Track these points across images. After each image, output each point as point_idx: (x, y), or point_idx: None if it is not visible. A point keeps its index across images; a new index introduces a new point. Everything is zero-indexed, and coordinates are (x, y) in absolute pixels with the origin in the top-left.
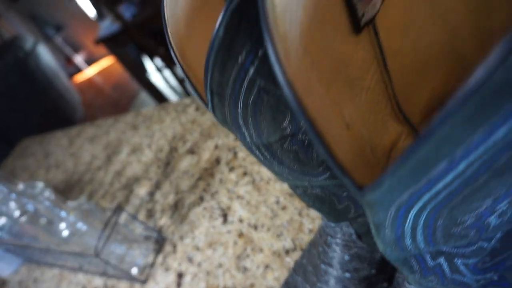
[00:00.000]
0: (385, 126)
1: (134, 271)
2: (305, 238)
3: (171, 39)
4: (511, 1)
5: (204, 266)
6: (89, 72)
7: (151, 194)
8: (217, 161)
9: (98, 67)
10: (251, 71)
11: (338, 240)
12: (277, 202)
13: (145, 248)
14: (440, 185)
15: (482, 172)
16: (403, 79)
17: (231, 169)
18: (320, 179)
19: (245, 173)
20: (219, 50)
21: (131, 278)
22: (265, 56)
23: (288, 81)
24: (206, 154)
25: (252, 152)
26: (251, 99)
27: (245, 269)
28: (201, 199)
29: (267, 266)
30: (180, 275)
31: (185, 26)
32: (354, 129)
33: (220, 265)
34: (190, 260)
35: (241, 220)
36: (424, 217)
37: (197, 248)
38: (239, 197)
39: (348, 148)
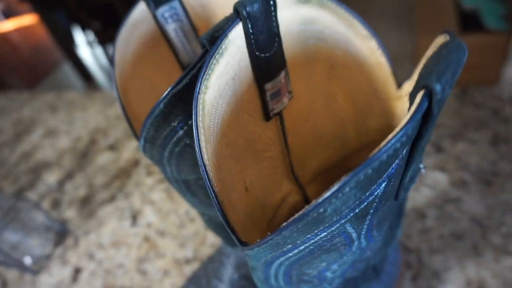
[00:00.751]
0: (280, 185)
1: (27, 260)
2: (206, 251)
3: (116, 78)
4: (386, 107)
5: (104, 264)
6: (5, 26)
7: (61, 183)
8: (136, 163)
9: (17, 23)
10: (180, 132)
11: (232, 261)
12: (187, 214)
13: (45, 239)
14: (290, 254)
15: (315, 250)
16: (299, 152)
17: (149, 174)
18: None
19: (161, 181)
20: (157, 116)
21: (22, 268)
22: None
23: (204, 163)
24: (126, 154)
25: (171, 183)
26: (177, 149)
27: (144, 272)
28: (113, 197)
29: (166, 272)
30: (77, 270)
31: (131, 69)
32: (252, 192)
33: (120, 265)
34: (91, 256)
35: (149, 225)
36: (283, 268)
37: (100, 246)
38: (152, 202)
39: (242, 208)
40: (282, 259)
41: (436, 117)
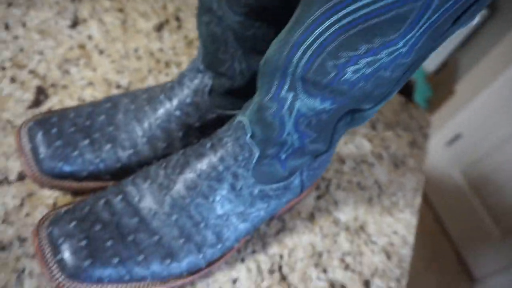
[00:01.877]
0: None
1: None
2: (141, 86)
3: None
4: None
5: (21, 42)
6: None
7: None
8: None
9: None
10: None
11: (190, 84)
12: (136, 50)
13: None
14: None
15: (350, 28)
16: None
17: None
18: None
19: (120, 10)
20: None
21: None
22: None
23: None
24: None
25: None
26: None
27: (66, 71)
28: None
29: (91, 83)
30: None
31: None
32: None
33: (40, 53)
34: (7, 27)
35: (90, 37)
36: (309, 53)
37: (23, 25)
38: (101, 21)
39: None
40: (310, 39)
41: None
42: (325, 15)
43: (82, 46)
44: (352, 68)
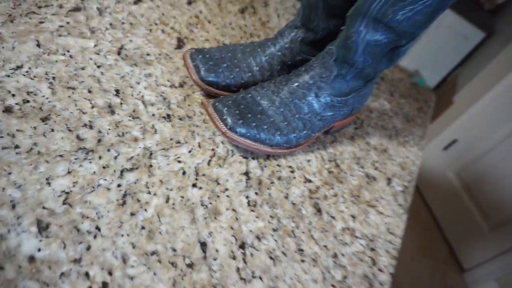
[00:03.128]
0: None
1: None
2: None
3: None
4: None
5: (162, 10)
6: None
7: None
8: None
9: None
10: None
11: (288, 35)
12: (230, 23)
13: None
14: None
15: None
16: None
17: None
18: None
19: None
20: None
21: None
22: None
23: None
24: None
25: None
26: None
27: (191, 31)
28: None
29: (207, 40)
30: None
31: None
32: None
33: (174, 17)
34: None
35: (201, 12)
36: (382, 2)
37: None
38: (205, 2)
39: None
40: None
41: None
42: None
43: (197, 17)
44: (401, 12)
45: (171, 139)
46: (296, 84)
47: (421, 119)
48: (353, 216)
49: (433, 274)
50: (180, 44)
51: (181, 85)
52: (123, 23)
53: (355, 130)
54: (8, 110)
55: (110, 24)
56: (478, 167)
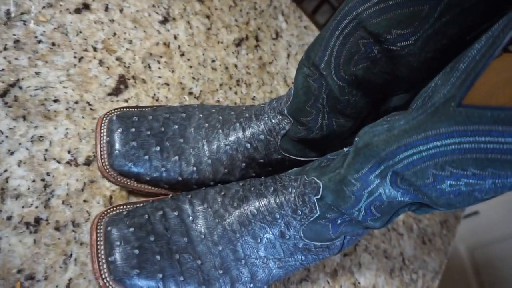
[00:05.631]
0: None
1: None
2: (211, 98)
3: None
4: None
5: (116, 27)
6: None
7: None
8: None
9: None
10: None
11: (268, 122)
12: (213, 60)
13: None
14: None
15: (469, 153)
16: None
17: (202, 1)
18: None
19: (208, 16)
20: None
21: None
22: None
23: None
24: None
25: None
26: None
27: (147, 66)
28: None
29: (167, 84)
30: (86, 6)
31: None
32: None
33: (130, 42)
34: (106, 8)
35: (175, 37)
36: (417, 156)
37: (122, 11)
38: (189, 23)
39: None
40: (456, 140)
41: None
42: (452, 134)
43: (167, 44)
44: (451, 182)
45: (19, 272)
46: (253, 211)
47: (442, 240)
48: None
49: None
50: (119, 87)
51: (87, 162)
52: (39, 41)
53: (343, 259)
54: None
55: (16, 42)
56: (493, 251)
